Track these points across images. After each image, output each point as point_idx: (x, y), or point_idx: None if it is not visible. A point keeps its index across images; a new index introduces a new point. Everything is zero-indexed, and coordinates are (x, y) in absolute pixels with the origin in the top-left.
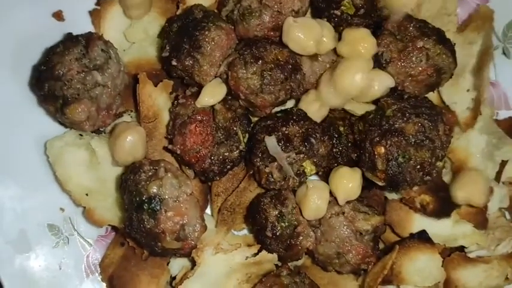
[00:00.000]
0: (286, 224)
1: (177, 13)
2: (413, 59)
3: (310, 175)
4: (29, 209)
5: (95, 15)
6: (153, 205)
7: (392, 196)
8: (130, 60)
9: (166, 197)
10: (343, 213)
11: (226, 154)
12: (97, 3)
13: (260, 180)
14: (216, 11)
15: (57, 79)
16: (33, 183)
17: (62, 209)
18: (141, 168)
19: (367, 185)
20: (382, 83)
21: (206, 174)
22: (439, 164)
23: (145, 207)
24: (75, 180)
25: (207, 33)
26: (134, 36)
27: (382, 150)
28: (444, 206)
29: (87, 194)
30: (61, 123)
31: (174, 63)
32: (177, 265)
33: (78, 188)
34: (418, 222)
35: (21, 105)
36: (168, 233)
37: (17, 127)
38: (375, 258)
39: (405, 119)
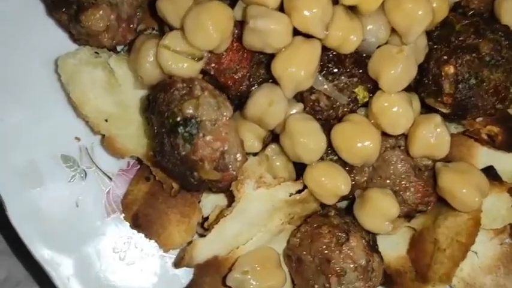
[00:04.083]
0: (337, 157)
1: None
2: None
3: (363, 103)
4: (39, 137)
5: None
6: (189, 128)
7: (452, 130)
8: None
9: (204, 118)
10: (399, 146)
11: (268, 76)
12: None
13: (304, 108)
14: None
15: None
16: (43, 107)
17: (77, 138)
18: (173, 86)
19: None
20: None
21: (243, 100)
22: None
23: (179, 131)
24: (93, 104)
25: None
26: None
27: (451, 70)
28: None
29: (106, 120)
30: (75, 40)
31: None
32: (210, 204)
33: (95, 112)
34: (483, 158)
35: (28, 16)
36: (206, 161)
37: (23, 42)
38: (435, 198)
39: (479, 35)
